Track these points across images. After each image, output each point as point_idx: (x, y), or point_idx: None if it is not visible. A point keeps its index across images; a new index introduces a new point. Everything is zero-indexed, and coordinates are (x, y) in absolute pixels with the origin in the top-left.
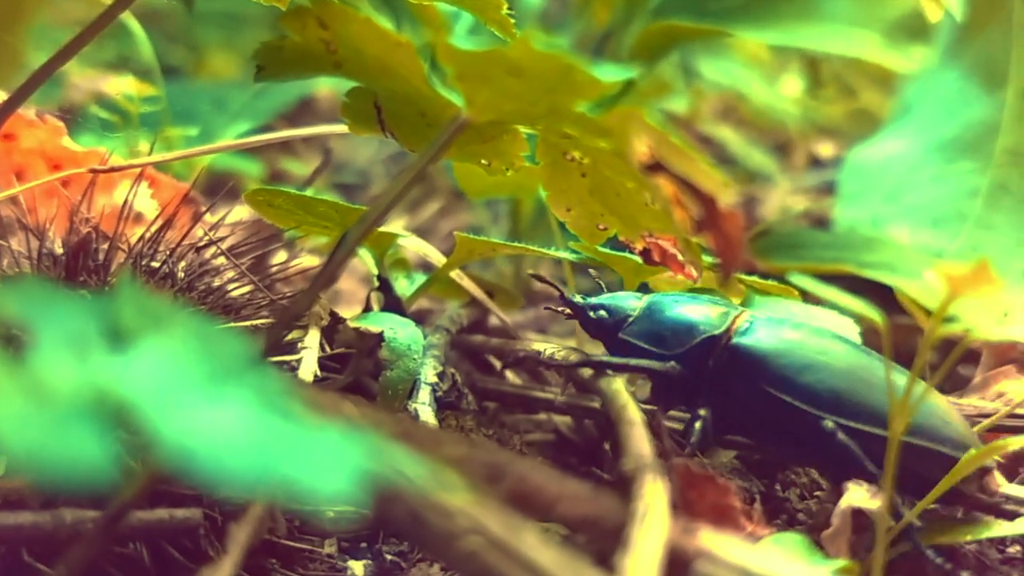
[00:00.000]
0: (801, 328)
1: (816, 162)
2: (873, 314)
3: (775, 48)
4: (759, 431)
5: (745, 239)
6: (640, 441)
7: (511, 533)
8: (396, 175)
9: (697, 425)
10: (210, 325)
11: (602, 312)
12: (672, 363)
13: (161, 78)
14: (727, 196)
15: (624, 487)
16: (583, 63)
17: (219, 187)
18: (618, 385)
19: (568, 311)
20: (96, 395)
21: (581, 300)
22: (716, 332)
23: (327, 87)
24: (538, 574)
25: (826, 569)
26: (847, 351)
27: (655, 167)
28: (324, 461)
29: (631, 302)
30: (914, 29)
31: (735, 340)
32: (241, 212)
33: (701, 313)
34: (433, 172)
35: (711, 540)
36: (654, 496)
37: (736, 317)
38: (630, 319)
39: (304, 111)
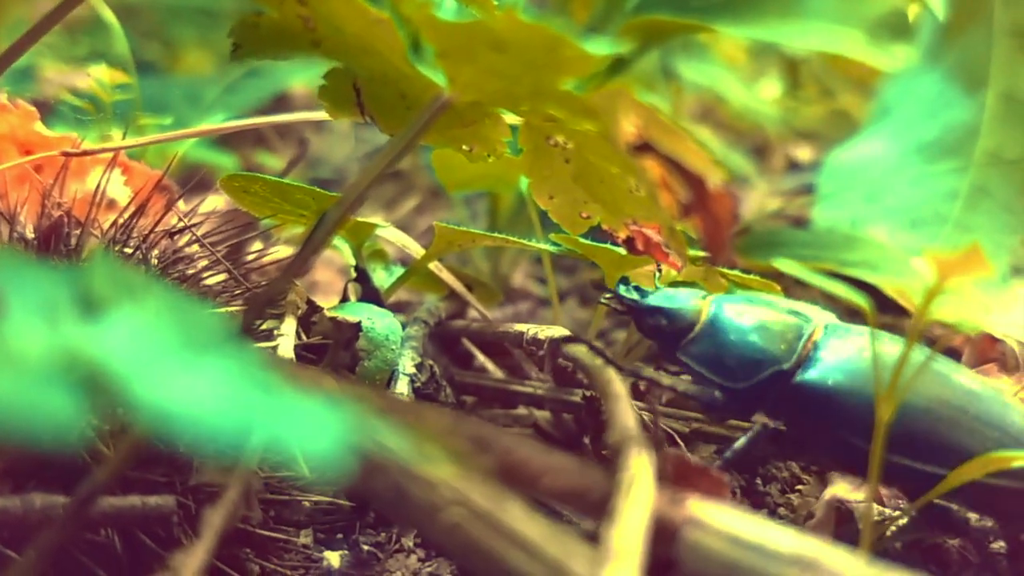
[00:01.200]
0: (882, 351)
1: (794, 165)
2: (860, 300)
3: (754, 51)
4: (825, 461)
5: (735, 220)
6: (625, 414)
7: (495, 505)
8: (375, 157)
9: (742, 441)
10: (185, 299)
11: (660, 318)
12: (720, 395)
13: (135, 73)
14: (717, 176)
15: (609, 462)
16: (571, 36)
17: (193, 179)
18: (601, 360)
19: (619, 307)
20: (67, 359)
21: (637, 298)
22: (785, 367)
23: (303, 83)
24: (523, 546)
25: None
26: (931, 380)
27: (642, 147)
28: (305, 426)
29: (693, 302)
30: (897, 28)
31: (800, 378)
32: (215, 202)
33: (772, 337)
34: (411, 170)
35: (700, 508)
36: (639, 467)
37: (808, 339)
38: (692, 335)
39: (280, 107)
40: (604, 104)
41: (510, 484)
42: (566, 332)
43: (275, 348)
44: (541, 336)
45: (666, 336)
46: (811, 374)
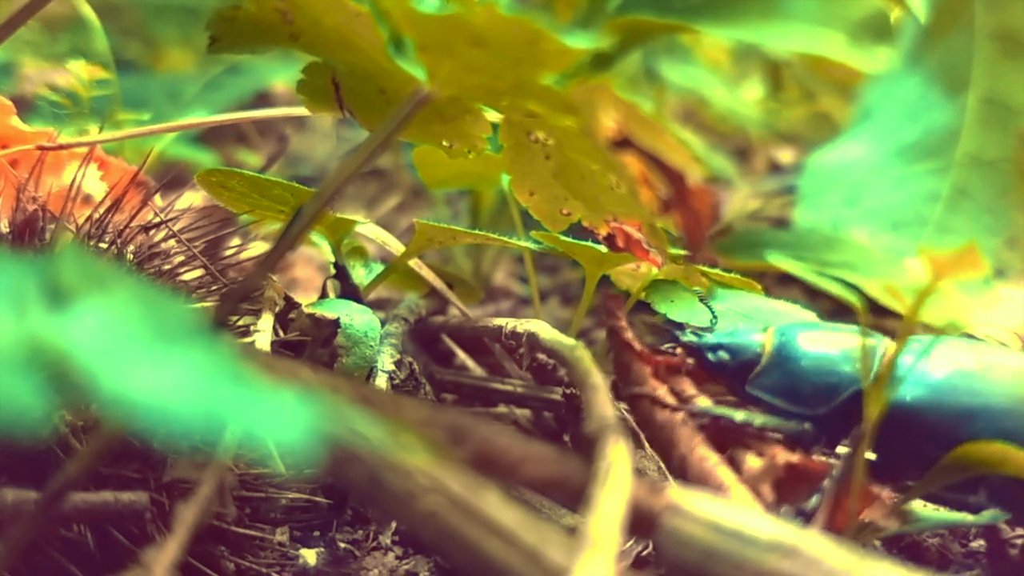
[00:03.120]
0: (947, 359)
1: (776, 168)
2: (851, 297)
3: (736, 53)
4: (910, 475)
5: (715, 216)
6: (603, 404)
7: (472, 492)
8: (353, 150)
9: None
10: (157, 290)
11: (722, 353)
12: (806, 424)
13: (116, 70)
14: (696, 171)
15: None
16: (551, 30)
17: (173, 178)
18: (581, 351)
19: (680, 350)
20: (32, 347)
21: (696, 339)
22: (864, 386)
23: (284, 81)
24: (500, 534)
25: (793, 524)
26: (1006, 379)
27: (623, 143)
28: (276, 416)
29: (755, 337)
30: (878, 30)
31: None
32: (193, 198)
33: (844, 359)
34: (392, 169)
35: (679, 495)
36: (617, 456)
37: (883, 357)
38: (759, 367)
39: (261, 105)
40: (584, 99)
41: (489, 474)
42: (545, 326)
43: (251, 344)
44: (520, 330)
45: (732, 372)
46: (894, 392)
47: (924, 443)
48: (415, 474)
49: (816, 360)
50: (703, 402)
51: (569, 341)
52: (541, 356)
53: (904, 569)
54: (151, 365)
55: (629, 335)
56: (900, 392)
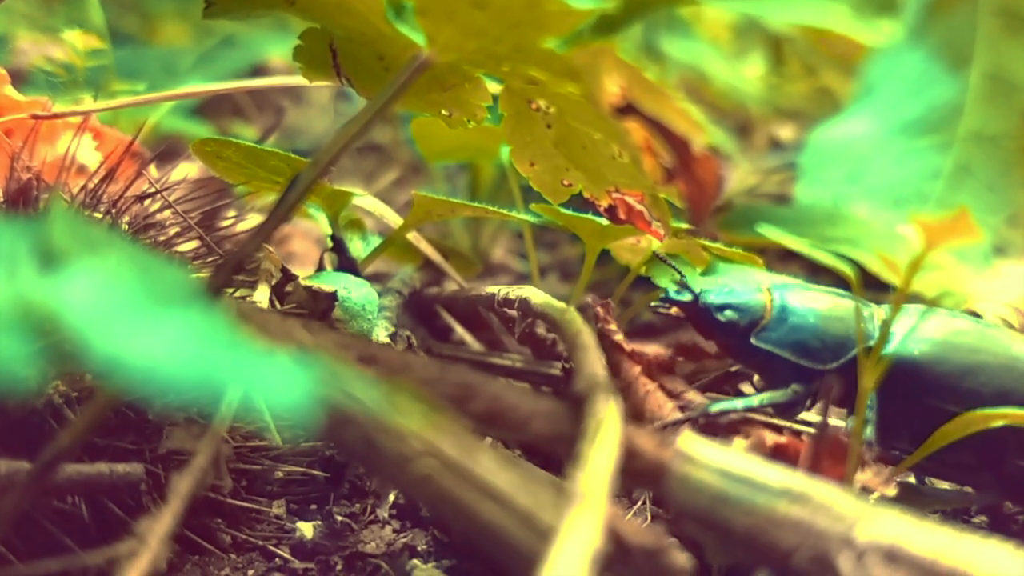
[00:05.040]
0: (946, 322)
1: (776, 144)
2: (846, 269)
3: (738, 29)
4: (921, 436)
5: (719, 184)
6: (593, 363)
7: (466, 455)
8: (351, 118)
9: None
10: (150, 254)
11: (730, 312)
12: (799, 387)
13: (111, 44)
14: (701, 138)
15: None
16: None
17: (168, 149)
18: (572, 314)
19: (675, 310)
20: (21, 308)
21: (705, 299)
22: (872, 343)
23: (280, 55)
24: (494, 496)
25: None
26: (1002, 341)
27: (626, 109)
28: (271, 378)
29: (757, 296)
30: (882, 3)
31: (887, 351)
32: (188, 169)
33: (850, 317)
34: (391, 144)
35: (688, 443)
36: (606, 413)
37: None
38: (765, 322)
39: (257, 78)
40: (587, 63)
41: (498, 430)
42: (537, 291)
43: (251, 303)
44: (512, 296)
45: (738, 330)
46: (898, 348)
47: (929, 397)
48: (409, 437)
49: (822, 315)
50: (694, 396)
51: (560, 304)
52: (540, 331)
53: (910, 516)
54: (144, 327)
55: (619, 337)
56: (908, 348)
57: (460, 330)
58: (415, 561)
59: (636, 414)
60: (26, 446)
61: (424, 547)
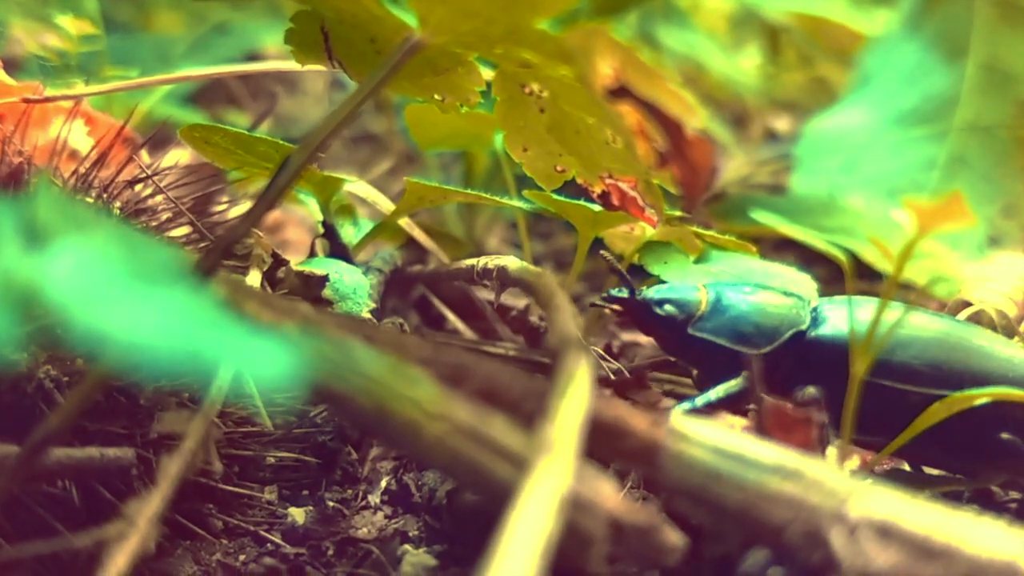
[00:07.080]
0: (869, 306)
1: (772, 136)
2: (839, 255)
3: (734, 19)
4: (867, 421)
5: (713, 168)
6: (566, 322)
7: (478, 419)
8: (343, 101)
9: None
10: (138, 233)
11: (669, 307)
12: (744, 375)
13: (105, 31)
14: (695, 120)
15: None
16: None
17: (160, 136)
18: (547, 277)
19: (617, 307)
20: (9, 288)
21: (645, 295)
22: (803, 327)
23: (274, 43)
24: (508, 456)
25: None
26: (929, 320)
27: (619, 92)
28: (261, 353)
29: (694, 294)
30: None
31: (815, 333)
32: (180, 155)
33: (782, 305)
34: (385, 134)
35: (681, 421)
36: (576, 368)
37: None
38: (700, 313)
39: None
40: (580, 44)
41: (491, 410)
42: (514, 260)
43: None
44: (490, 266)
45: (676, 324)
46: (827, 330)
47: (916, 382)
48: (421, 402)
49: (755, 305)
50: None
51: (535, 269)
52: (533, 319)
53: (902, 493)
54: (131, 303)
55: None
56: (835, 330)
57: (453, 318)
58: (406, 546)
59: None
60: (15, 429)
61: (415, 533)
